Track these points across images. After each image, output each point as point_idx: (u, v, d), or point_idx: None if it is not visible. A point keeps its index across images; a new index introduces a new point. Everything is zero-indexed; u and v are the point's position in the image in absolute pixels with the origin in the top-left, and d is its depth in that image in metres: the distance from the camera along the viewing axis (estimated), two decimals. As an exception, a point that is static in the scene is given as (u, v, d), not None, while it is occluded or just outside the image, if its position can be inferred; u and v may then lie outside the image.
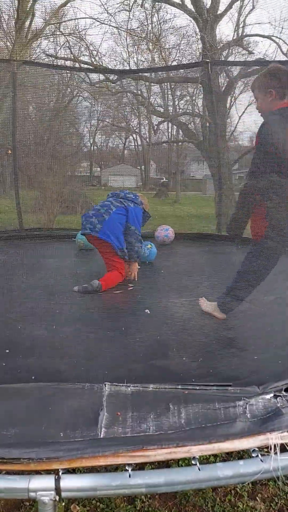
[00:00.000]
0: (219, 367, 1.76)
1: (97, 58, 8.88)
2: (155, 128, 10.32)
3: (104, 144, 12.49)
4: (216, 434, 1.31)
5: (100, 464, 1.22)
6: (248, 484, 1.78)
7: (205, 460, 1.66)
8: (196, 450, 1.27)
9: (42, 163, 7.94)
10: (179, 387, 1.52)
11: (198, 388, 1.54)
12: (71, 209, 9.36)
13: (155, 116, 10.44)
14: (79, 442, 1.25)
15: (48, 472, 1.22)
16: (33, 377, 1.61)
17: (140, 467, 1.44)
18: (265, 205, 2.24)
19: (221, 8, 8.42)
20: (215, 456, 1.75)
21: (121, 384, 1.53)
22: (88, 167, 13.11)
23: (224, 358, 1.85)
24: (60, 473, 1.20)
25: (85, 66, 8.30)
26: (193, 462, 1.27)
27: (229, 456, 1.88)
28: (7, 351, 1.89)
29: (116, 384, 1.53)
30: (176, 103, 10.70)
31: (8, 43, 7.58)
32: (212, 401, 1.44)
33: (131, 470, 1.23)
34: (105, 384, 1.51)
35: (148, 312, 2.24)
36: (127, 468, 1.23)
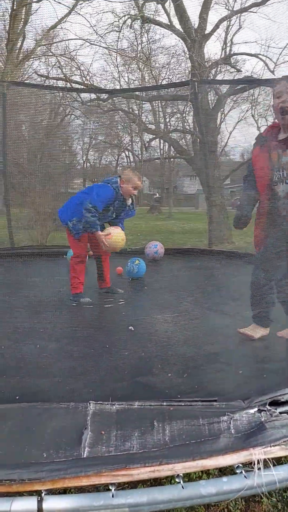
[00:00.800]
0: (204, 382, 1.76)
1: (88, 77, 9.03)
2: (147, 145, 10.43)
3: (97, 161, 12.59)
4: (200, 451, 1.31)
5: (83, 484, 1.22)
6: (241, 501, 1.77)
7: (198, 477, 1.64)
8: (180, 467, 1.27)
9: (35, 181, 7.99)
10: (164, 403, 1.52)
11: (183, 404, 1.54)
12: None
13: (146, 133, 10.58)
14: (61, 462, 1.24)
15: (30, 493, 1.22)
16: (17, 397, 1.61)
17: (132, 486, 1.43)
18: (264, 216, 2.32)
19: (209, 28, 8.61)
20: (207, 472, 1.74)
21: (106, 403, 1.52)
22: (81, 183, 13.18)
23: (209, 373, 1.86)
24: (43, 494, 1.20)
25: (77, 85, 8.42)
26: (177, 480, 1.27)
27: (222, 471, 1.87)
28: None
29: (100, 402, 1.52)
30: (167, 120, 10.86)
31: (0, 64, 7.69)
32: (197, 417, 1.44)
33: (115, 489, 1.22)
34: (89, 403, 1.51)
35: (132, 329, 2.24)
36: (110, 487, 1.23)
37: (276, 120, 2.34)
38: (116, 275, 4.20)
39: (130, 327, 2.29)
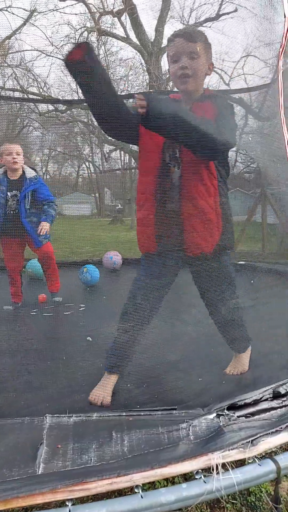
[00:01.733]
0: (164, 391, 1.75)
1: (45, 89, 8.97)
2: (107, 156, 10.45)
3: (57, 172, 12.49)
4: (158, 459, 1.29)
5: (37, 503, 1.17)
6: (206, 508, 1.76)
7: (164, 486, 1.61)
8: (139, 477, 1.25)
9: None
10: (123, 414, 1.50)
11: (142, 414, 1.52)
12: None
13: (106, 144, 10.61)
14: (15, 481, 1.19)
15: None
16: None
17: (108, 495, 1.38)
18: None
19: (165, 41, 8.80)
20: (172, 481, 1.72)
21: (62, 415, 1.48)
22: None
23: (169, 382, 1.84)
24: (-5, 517, 1.14)
25: (33, 96, 8.35)
26: (136, 490, 1.24)
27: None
28: None
29: (57, 415, 1.48)
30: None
31: None
32: (156, 426, 1.42)
33: (71, 505, 1.18)
34: (45, 417, 1.46)
35: (90, 339, 2.20)
36: (67, 503, 1.18)
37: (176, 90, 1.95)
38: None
39: (88, 338, 2.24)
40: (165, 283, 1.87)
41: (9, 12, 6.42)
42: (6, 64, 7.68)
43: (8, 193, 3.24)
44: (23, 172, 3.31)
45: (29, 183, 3.29)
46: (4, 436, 1.39)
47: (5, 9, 6.45)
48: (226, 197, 1.84)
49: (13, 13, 6.43)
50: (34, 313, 3.31)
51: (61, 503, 1.19)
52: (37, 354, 2.16)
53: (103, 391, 1.79)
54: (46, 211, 3.31)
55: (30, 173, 3.32)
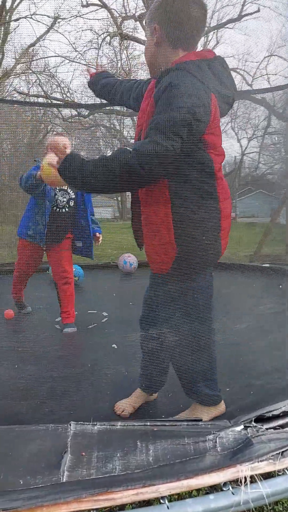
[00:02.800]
0: (190, 402, 1.70)
1: (68, 94, 9.08)
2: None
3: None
4: (185, 470, 1.26)
5: (62, 512, 1.15)
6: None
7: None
8: (165, 488, 1.21)
9: (17, 198, 7.93)
10: (148, 423, 1.46)
11: (167, 424, 1.48)
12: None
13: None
14: (39, 489, 1.18)
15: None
16: (-6, 421, 1.54)
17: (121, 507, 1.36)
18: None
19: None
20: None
21: (87, 423, 1.46)
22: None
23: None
24: (20, 525, 1.12)
25: (57, 102, 8.46)
26: (161, 501, 1.21)
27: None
28: None
29: (82, 423, 1.46)
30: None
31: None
32: (182, 437, 1.39)
33: (97, 515, 1.16)
34: (70, 424, 1.45)
35: (115, 347, 2.16)
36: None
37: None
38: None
39: (113, 345, 2.21)
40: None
41: (33, 19, 6.51)
42: (30, 71, 7.81)
43: (57, 187, 3.01)
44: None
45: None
46: (28, 443, 1.38)
47: (30, 16, 6.56)
48: (189, 203, 1.47)
49: (37, 21, 6.52)
50: (59, 320, 3.32)
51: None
52: (62, 361, 2.15)
53: (126, 404, 1.75)
54: (96, 221, 3.24)
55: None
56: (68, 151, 1.37)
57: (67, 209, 3.05)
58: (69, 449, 1.34)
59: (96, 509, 1.16)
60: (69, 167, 1.43)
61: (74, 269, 4.59)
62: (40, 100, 9.07)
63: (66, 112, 8.77)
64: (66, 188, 3.05)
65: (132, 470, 1.25)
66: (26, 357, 2.18)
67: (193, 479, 1.23)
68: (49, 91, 8.71)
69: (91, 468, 1.26)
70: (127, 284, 4.14)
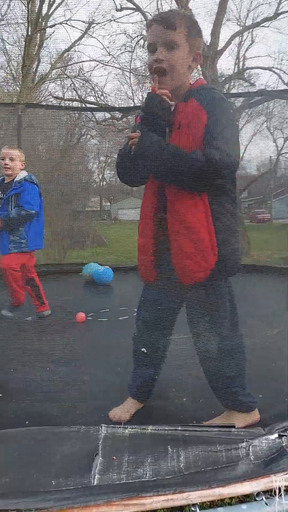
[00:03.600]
0: (222, 408, 1.67)
1: (102, 97, 9.18)
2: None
3: (113, 179, 12.74)
4: (217, 478, 1.23)
5: (92, 515, 1.15)
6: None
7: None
8: (196, 496, 1.20)
9: (52, 200, 8.10)
10: (179, 429, 1.45)
11: (199, 430, 1.46)
12: (82, 243, 9.49)
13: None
14: (70, 490, 1.19)
15: (38, 523, 1.16)
16: (27, 422, 1.56)
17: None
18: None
19: (221, 44, 8.69)
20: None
21: (118, 426, 1.46)
22: (98, 202, 13.33)
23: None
24: (51, 525, 1.14)
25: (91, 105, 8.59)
26: (192, 508, 1.20)
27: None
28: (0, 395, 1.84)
29: (113, 426, 1.46)
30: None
31: (17, 88, 7.89)
32: (213, 444, 1.36)
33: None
34: (101, 426, 1.45)
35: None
36: (123, 518, 1.16)
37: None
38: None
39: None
40: (167, 315, 1.69)
41: (68, 25, 6.64)
42: (65, 76, 7.96)
43: None
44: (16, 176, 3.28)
45: (13, 186, 3.25)
46: (60, 444, 1.39)
47: (65, 22, 6.68)
48: (226, 212, 1.56)
49: (73, 26, 6.64)
50: (90, 318, 3.36)
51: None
52: (92, 363, 2.15)
53: (121, 411, 1.77)
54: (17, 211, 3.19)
55: (20, 176, 3.26)
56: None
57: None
58: (100, 452, 1.34)
59: (127, 513, 1.16)
60: (146, 144, 1.48)
61: (101, 269, 4.66)
62: (75, 104, 9.25)
63: (100, 115, 8.90)
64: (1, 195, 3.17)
65: (162, 476, 1.24)
66: (57, 359, 2.20)
67: (225, 488, 1.20)
68: (83, 95, 8.84)
69: (122, 472, 1.26)
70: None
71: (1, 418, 1.64)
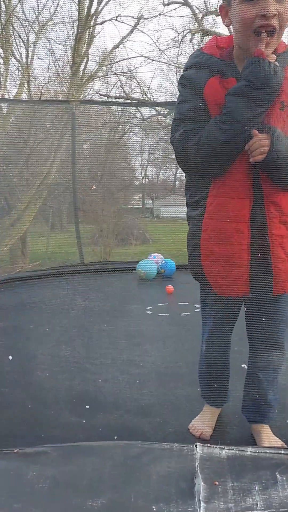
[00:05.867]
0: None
1: (148, 94, 9.08)
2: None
3: (155, 176, 12.65)
4: None
5: None
6: None
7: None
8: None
9: (97, 198, 8.11)
10: (282, 452, 1.32)
11: (304, 453, 1.33)
12: (126, 241, 9.48)
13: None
14: (177, 520, 1.09)
15: None
16: (115, 437, 1.47)
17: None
18: None
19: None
20: None
21: (214, 446, 1.35)
22: (140, 199, 13.27)
23: None
24: None
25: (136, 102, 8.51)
26: None
27: None
28: (87, 407, 1.77)
29: (208, 445, 1.35)
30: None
31: (64, 88, 7.94)
32: None
33: None
34: (196, 445, 1.35)
35: (245, 367, 1.94)
36: None
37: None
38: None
39: (242, 365, 1.96)
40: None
41: (118, 21, 6.57)
42: (112, 73, 7.92)
43: None
44: None
45: None
46: (154, 463, 1.30)
47: (115, 18, 6.62)
48: None
49: (122, 22, 6.57)
50: (150, 313, 3.28)
51: None
52: (186, 378, 2.01)
53: (202, 423, 1.68)
54: None
55: None
56: None
57: None
58: (199, 475, 1.23)
59: None
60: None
61: (164, 262, 4.66)
62: (120, 101, 9.20)
63: (145, 112, 8.80)
64: None
65: (276, 508, 1.12)
66: (147, 371, 2.11)
67: None
68: (129, 92, 8.76)
69: (229, 501, 1.15)
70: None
71: (89, 431, 1.57)
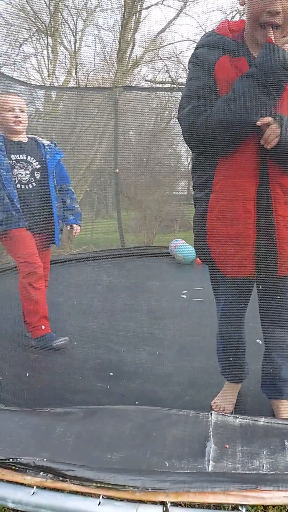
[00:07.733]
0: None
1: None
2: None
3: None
4: None
5: (208, 501, 1.14)
6: None
7: None
8: None
9: (141, 184, 8.20)
10: (294, 422, 1.37)
11: (316, 425, 1.37)
12: (169, 227, 9.52)
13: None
14: (186, 474, 1.18)
15: (153, 503, 1.17)
16: (136, 402, 1.59)
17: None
18: None
19: None
20: None
21: (228, 415, 1.43)
22: (185, 186, 13.22)
23: None
24: (168, 505, 1.14)
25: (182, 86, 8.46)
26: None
27: None
28: (111, 374, 1.90)
29: (223, 414, 1.43)
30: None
31: (111, 74, 8.03)
32: None
33: (246, 511, 1.12)
34: (211, 413, 1.43)
35: (260, 342, 1.99)
36: (240, 508, 1.13)
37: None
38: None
39: (257, 340, 2.03)
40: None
41: (164, 5, 6.55)
42: (158, 58, 7.91)
43: (13, 156, 2.35)
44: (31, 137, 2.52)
45: (52, 152, 2.46)
46: (170, 426, 1.40)
47: (161, 2, 6.61)
48: None
49: (168, 6, 6.55)
50: (185, 297, 3.35)
51: (234, 507, 1.15)
52: (204, 351, 2.10)
53: (223, 400, 1.74)
54: (71, 207, 2.62)
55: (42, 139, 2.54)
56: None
57: (34, 184, 2.41)
58: (212, 438, 1.32)
59: (244, 505, 1.12)
60: None
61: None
62: (166, 86, 9.17)
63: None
64: (26, 157, 2.41)
65: (281, 471, 1.19)
66: (167, 344, 2.21)
67: None
68: (176, 77, 8.71)
69: (237, 462, 1.23)
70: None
71: (112, 396, 1.69)
